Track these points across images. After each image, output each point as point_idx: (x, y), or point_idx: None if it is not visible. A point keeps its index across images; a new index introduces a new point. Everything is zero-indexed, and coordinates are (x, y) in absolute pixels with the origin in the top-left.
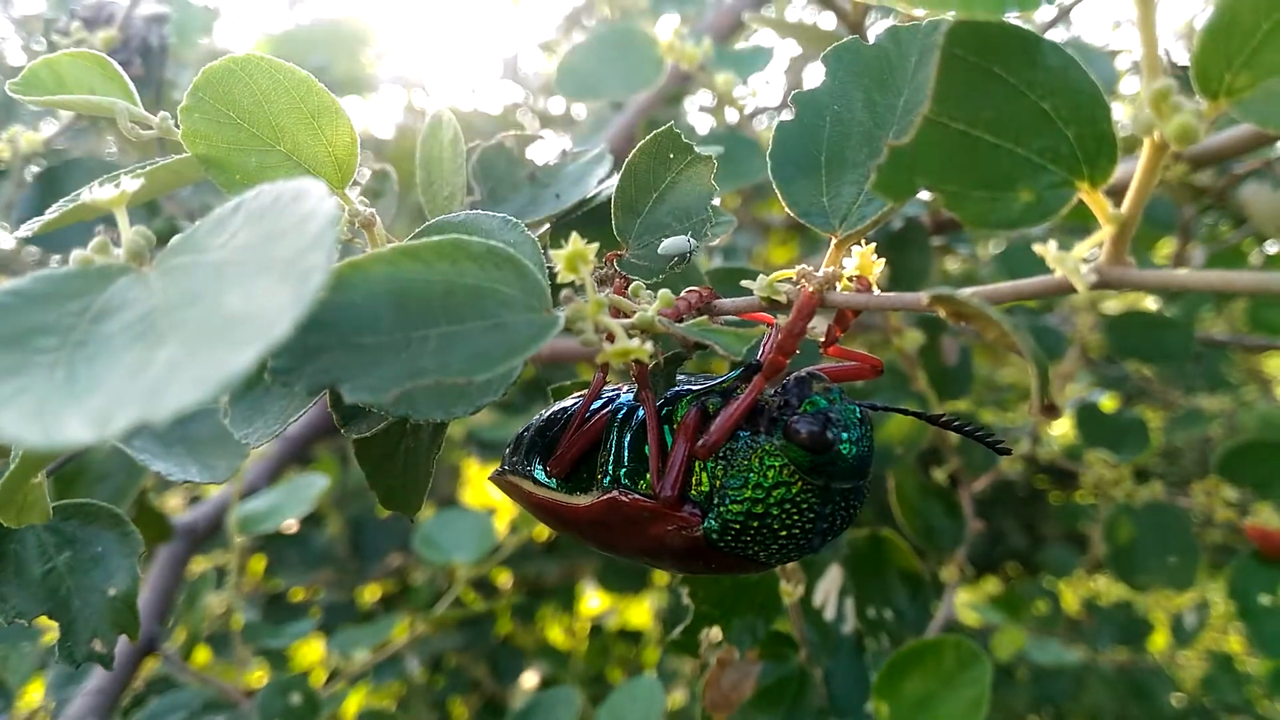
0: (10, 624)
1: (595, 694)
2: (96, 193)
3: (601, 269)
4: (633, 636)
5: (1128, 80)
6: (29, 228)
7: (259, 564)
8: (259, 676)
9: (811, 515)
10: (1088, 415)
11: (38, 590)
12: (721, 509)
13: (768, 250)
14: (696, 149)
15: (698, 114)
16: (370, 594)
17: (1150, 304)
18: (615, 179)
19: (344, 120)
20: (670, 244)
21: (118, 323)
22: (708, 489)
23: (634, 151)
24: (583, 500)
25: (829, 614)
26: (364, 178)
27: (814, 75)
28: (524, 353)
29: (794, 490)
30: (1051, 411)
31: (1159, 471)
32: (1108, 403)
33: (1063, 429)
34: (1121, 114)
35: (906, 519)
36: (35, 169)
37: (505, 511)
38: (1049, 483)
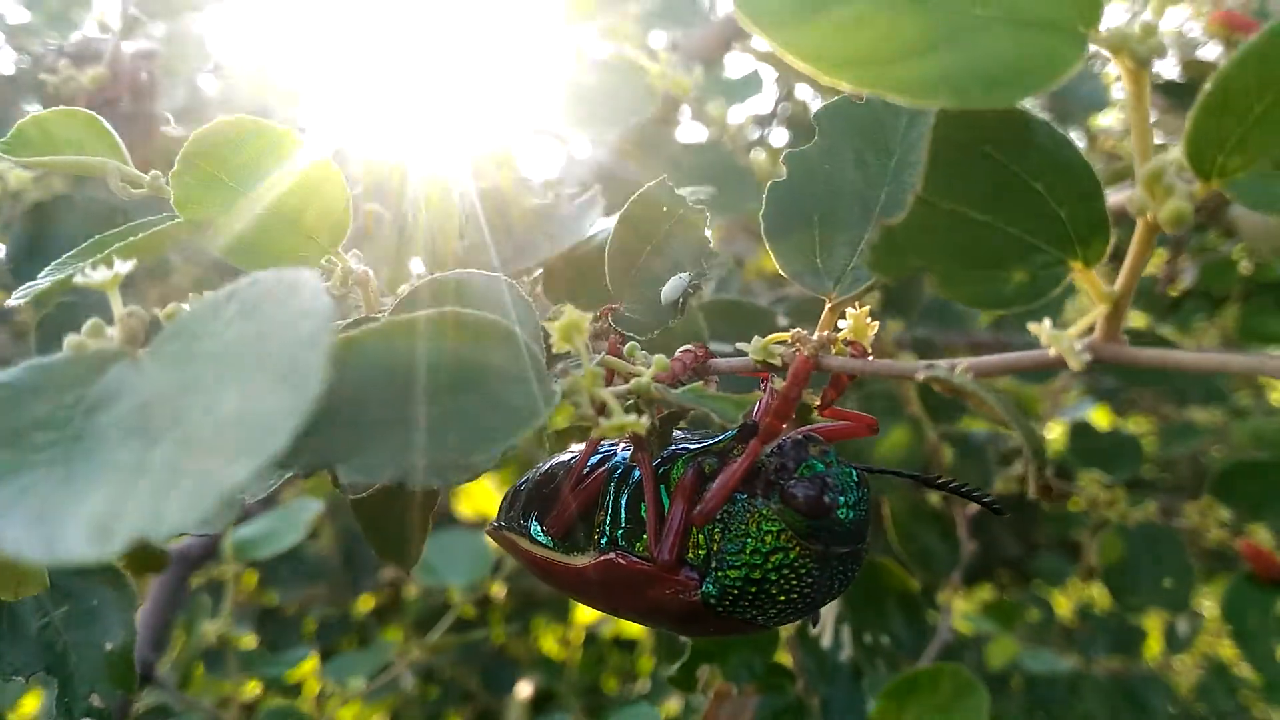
0: (7, 680)
1: (590, 704)
2: (89, 275)
3: (596, 322)
4: (628, 645)
5: (1116, 87)
6: (20, 296)
7: (251, 578)
8: (253, 689)
9: (810, 580)
10: (1079, 434)
11: (34, 645)
12: (719, 574)
13: (759, 259)
14: (690, 201)
15: (690, 122)
16: (364, 604)
17: (1141, 320)
18: (608, 222)
19: (337, 180)
20: (669, 291)
21: (112, 415)
22: (705, 553)
23: (628, 204)
24: (580, 561)
25: (826, 642)
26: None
27: (807, 91)
28: (522, 430)
29: (792, 555)
30: (1047, 493)
31: (1152, 479)
32: (1099, 414)
33: (1055, 440)
34: (1110, 120)
35: (901, 543)
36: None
37: None
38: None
